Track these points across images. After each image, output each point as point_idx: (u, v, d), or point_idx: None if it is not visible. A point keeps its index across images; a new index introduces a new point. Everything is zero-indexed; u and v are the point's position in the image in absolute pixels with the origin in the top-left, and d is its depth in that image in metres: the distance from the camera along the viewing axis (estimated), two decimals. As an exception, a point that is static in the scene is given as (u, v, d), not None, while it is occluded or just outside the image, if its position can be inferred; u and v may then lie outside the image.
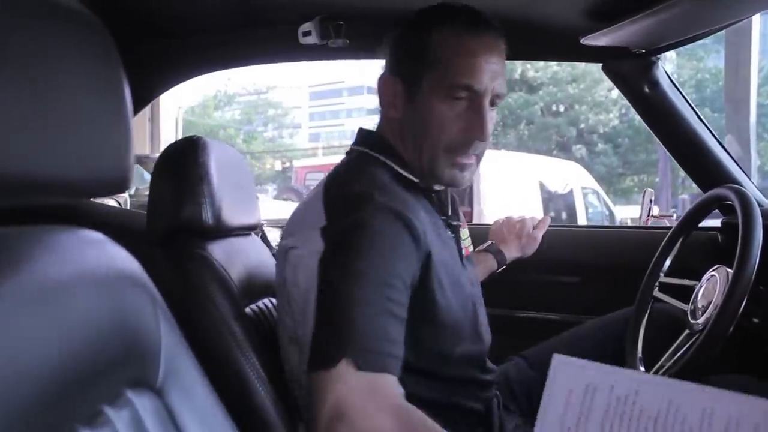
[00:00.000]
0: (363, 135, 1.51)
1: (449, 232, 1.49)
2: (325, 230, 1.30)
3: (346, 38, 1.81)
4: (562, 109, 22.80)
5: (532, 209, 7.37)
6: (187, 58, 2.01)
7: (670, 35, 1.69)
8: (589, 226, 5.29)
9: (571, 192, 9.18)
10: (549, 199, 8.81)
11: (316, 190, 1.41)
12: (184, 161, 1.44)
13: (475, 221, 7.45)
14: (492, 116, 1.40)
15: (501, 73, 1.39)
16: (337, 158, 1.51)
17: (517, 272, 2.03)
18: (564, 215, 8.82)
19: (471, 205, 8.09)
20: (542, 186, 8.71)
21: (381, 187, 1.32)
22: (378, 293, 1.19)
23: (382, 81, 1.45)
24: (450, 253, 1.45)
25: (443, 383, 1.42)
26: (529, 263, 2.03)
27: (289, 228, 1.44)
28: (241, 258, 1.49)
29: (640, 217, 2.34)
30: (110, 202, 5.61)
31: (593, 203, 9.84)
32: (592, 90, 21.96)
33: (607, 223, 9.08)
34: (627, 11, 1.50)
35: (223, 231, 1.48)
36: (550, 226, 2.07)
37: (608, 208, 9.98)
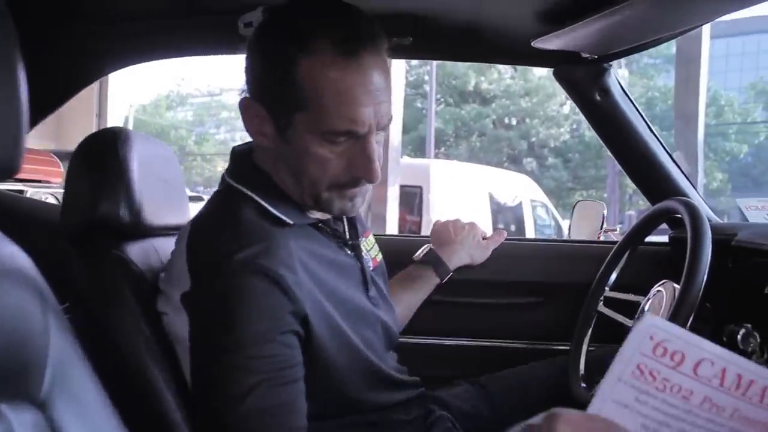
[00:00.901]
0: (235, 161, 1.33)
1: (347, 253, 1.35)
2: (186, 298, 1.19)
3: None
4: (514, 122, 23.10)
5: (481, 220, 7.36)
6: (120, 45, 1.90)
7: (621, 41, 1.65)
8: (540, 240, 5.26)
9: (520, 204, 9.27)
10: (498, 210, 8.88)
11: (185, 230, 1.27)
12: (103, 154, 1.34)
13: (423, 231, 7.44)
14: (380, 139, 1.22)
15: (385, 94, 1.18)
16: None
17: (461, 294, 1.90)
18: (513, 227, 8.88)
19: (420, 214, 8.11)
20: (492, 197, 8.78)
21: (247, 239, 1.16)
22: (255, 369, 1.09)
23: (244, 106, 1.23)
24: (348, 279, 1.32)
25: (363, 418, 1.32)
26: (476, 282, 1.90)
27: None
28: (163, 260, 1.39)
29: (569, 230, 2.24)
30: (49, 198, 5.44)
31: (542, 216, 9.94)
32: (544, 104, 22.29)
33: (555, 237, 9.13)
34: (578, 14, 1.45)
35: (143, 230, 1.39)
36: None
37: (556, 222, 10.06)
